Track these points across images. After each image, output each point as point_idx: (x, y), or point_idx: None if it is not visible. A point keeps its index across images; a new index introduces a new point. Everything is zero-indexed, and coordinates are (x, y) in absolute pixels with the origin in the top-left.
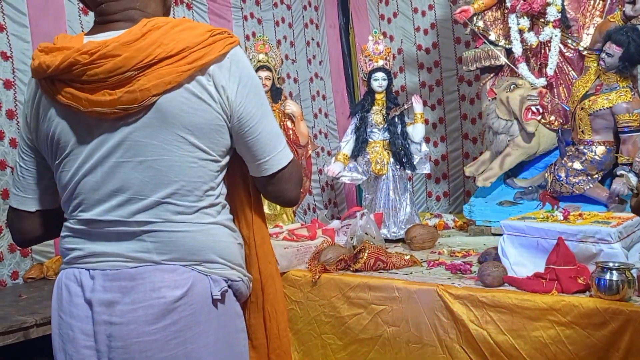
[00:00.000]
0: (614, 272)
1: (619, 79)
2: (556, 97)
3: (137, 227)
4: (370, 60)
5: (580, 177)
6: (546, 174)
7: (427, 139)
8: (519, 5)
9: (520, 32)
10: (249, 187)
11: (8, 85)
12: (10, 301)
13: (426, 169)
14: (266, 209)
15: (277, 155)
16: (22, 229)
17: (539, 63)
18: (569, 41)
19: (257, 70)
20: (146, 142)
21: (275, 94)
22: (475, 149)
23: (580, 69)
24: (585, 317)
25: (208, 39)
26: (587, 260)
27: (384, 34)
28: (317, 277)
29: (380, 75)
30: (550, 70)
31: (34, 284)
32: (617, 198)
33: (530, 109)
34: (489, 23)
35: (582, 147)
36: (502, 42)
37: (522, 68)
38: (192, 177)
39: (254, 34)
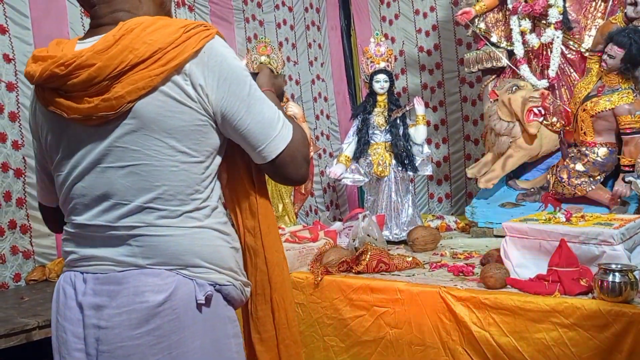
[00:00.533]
0: (617, 273)
1: (621, 80)
2: (558, 98)
3: (124, 231)
4: (372, 62)
5: (583, 179)
6: (548, 176)
7: (429, 141)
8: (521, 7)
9: (522, 33)
10: (252, 176)
11: (10, 87)
12: (12, 303)
13: (428, 170)
14: None
15: (272, 142)
16: (50, 220)
17: (540, 65)
18: (571, 43)
19: None
20: (128, 148)
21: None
22: (477, 151)
23: (582, 71)
24: (588, 319)
25: (181, 37)
26: (589, 262)
27: (386, 36)
28: (319, 279)
29: (382, 77)
30: (552, 72)
31: (36, 286)
32: (619, 199)
33: (532, 111)
34: (490, 25)
35: (584, 149)
36: (503, 44)
37: (524, 70)
38: (174, 181)
39: (255, 36)
